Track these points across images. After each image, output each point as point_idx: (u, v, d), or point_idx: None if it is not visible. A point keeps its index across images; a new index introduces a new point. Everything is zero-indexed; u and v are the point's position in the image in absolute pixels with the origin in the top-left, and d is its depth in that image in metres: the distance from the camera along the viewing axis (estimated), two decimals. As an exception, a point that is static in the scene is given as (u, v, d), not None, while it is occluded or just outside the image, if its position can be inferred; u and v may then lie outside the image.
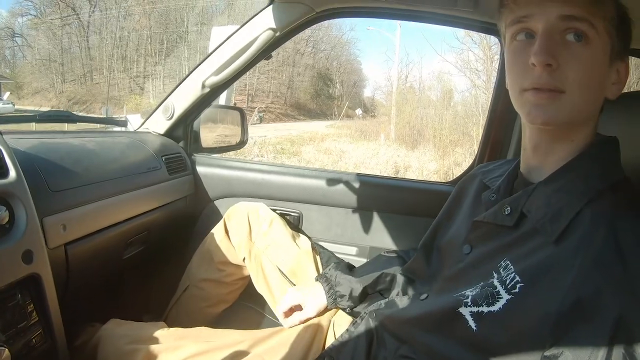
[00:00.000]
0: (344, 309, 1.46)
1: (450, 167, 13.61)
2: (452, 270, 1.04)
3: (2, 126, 1.42)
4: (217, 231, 1.78)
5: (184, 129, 2.09)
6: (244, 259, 1.72)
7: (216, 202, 2.11)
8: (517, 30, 0.90)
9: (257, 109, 36.99)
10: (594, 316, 0.70)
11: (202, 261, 1.79)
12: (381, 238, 1.96)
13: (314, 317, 1.45)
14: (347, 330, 1.23)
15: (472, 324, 0.85)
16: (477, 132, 13.34)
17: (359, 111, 40.32)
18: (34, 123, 1.70)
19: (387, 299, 1.27)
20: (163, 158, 1.85)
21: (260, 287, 1.69)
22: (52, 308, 1.15)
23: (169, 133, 2.08)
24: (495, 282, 0.85)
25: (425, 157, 16.29)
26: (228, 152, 2.30)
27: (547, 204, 0.86)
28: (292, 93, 44.88)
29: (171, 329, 1.39)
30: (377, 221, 1.97)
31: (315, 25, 1.89)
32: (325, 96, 48.12)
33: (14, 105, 31.10)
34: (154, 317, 1.77)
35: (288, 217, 1.98)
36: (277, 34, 1.79)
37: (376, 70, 78.36)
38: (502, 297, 0.82)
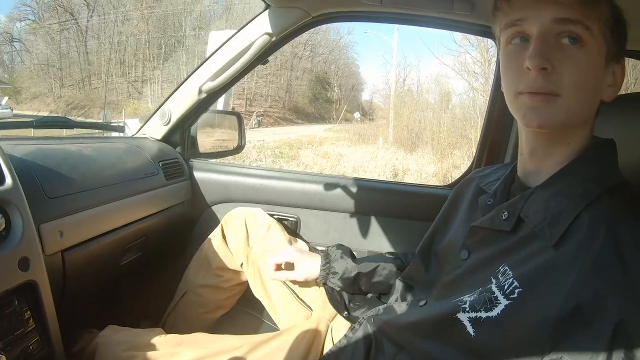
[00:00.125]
0: (333, 297, 1.51)
1: (449, 169, 13.62)
2: (450, 276, 1.04)
3: (-1, 132, 1.42)
4: (215, 237, 1.77)
5: (181, 134, 2.09)
6: (241, 265, 1.72)
7: (214, 208, 2.11)
8: (511, 34, 0.90)
9: (255, 113, 36.98)
10: (594, 320, 0.70)
11: (199, 267, 1.78)
12: (379, 242, 1.96)
13: (300, 282, 1.55)
14: (345, 336, 1.22)
15: (470, 329, 0.85)
16: (475, 135, 13.35)
17: (357, 115, 40.33)
18: (32, 128, 1.70)
19: (385, 305, 1.26)
20: (160, 163, 1.85)
21: (257, 292, 1.69)
22: (49, 315, 1.15)
23: (166, 138, 2.08)
24: (494, 288, 0.84)
25: (423, 160, 16.29)
26: (225, 157, 2.30)
27: (545, 208, 0.86)
28: (290, 97, 44.90)
29: (168, 335, 1.38)
30: (374, 225, 1.97)
31: (312, 29, 1.89)
32: (324, 100, 48.13)
33: (12, 110, 31.12)
34: (152, 323, 1.77)
35: (286, 222, 1.98)
36: (273, 38, 1.79)
37: (374, 74, 78.57)
38: (500, 303, 0.82)
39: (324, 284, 1.52)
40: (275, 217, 1.85)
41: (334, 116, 39.25)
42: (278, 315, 1.65)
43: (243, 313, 1.91)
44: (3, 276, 1.01)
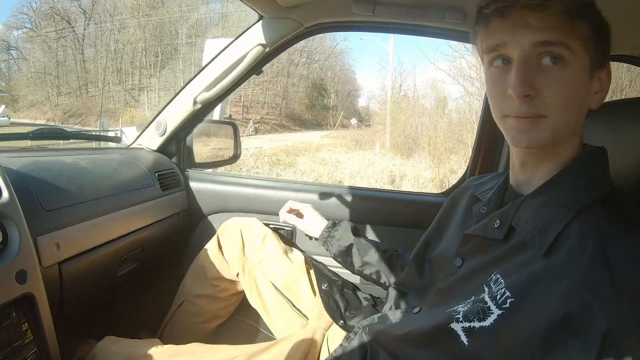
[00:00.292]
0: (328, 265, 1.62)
1: (446, 174, 13.58)
2: (444, 283, 1.04)
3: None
4: (211, 247, 1.78)
5: (176, 144, 2.10)
6: (237, 274, 1.72)
7: (210, 218, 2.12)
8: (493, 57, 0.89)
9: (252, 120, 36.98)
10: (583, 331, 0.70)
11: (195, 277, 1.78)
12: (375, 251, 1.96)
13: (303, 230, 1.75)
14: (341, 345, 1.22)
15: (464, 339, 0.85)
16: (471, 140, 13.31)
17: (354, 121, 40.31)
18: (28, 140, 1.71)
19: (380, 314, 1.27)
20: (156, 174, 1.86)
21: (254, 301, 1.70)
22: (47, 326, 1.15)
23: (162, 149, 2.09)
24: (486, 298, 0.85)
25: (420, 165, 16.25)
26: (221, 167, 2.31)
27: (535, 217, 0.86)
28: (287, 104, 44.87)
29: (165, 346, 1.39)
30: (370, 234, 1.98)
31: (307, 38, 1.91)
32: (320, 106, 48.10)
33: (9, 118, 31.06)
34: (149, 333, 1.77)
35: (282, 232, 1.98)
36: (267, 49, 1.81)
37: (370, 80, 78.49)
38: (492, 313, 0.82)
39: (320, 291, 1.54)
40: (271, 226, 1.86)
41: (331, 122, 39.27)
42: (274, 324, 1.65)
43: (240, 322, 1.91)
44: (0, 289, 1.01)
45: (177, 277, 1.85)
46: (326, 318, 1.49)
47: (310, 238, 1.74)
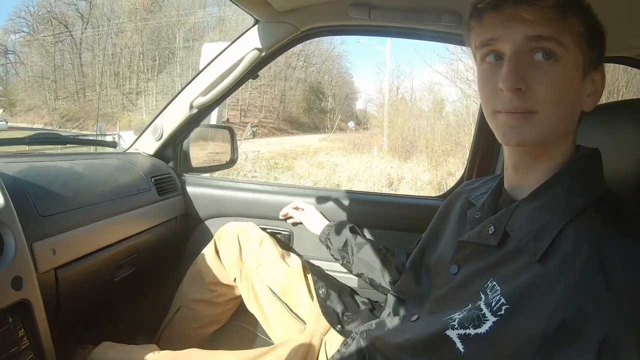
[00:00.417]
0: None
1: (444, 177, 13.60)
2: (441, 290, 1.04)
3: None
4: (208, 252, 1.78)
5: (173, 149, 2.09)
6: (235, 279, 1.72)
7: (207, 222, 2.11)
8: (485, 53, 0.90)
9: (249, 124, 36.99)
10: (579, 337, 0.70)
11: (193, 282, 1.78)
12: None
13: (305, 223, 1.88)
14: (339, 350, 1.23)
15: (460, 346, 0.85)
16: (469, 142, 13.33)
17: (351, 124, 40.37)
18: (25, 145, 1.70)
19: (378, 320, 1.26)
20: (152, 179, 1.86)
21: (251, 306, 1.69)
22: (43, 332, 1.15)
23: (159, 153, 2.08)
24: (482, 305, 0.85)
25: (418, 168, 16.28)
26: (218, 171, 2.31)
27: (530, 222, 0.86)
28: (284, 107, 44.91)
29: (162, 351, 1.38)
30: (368, 237, 1.98)
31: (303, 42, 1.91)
32: (318, 110, 48.16)
33: (7, 122, 31.07)
34: (147, 338, 1.77)
35: (279, 236, 1.98)
36: (263, 53, 1.80)
37: (368, 83, 78.35)
38: (488, 320, 0.82)
39: (317, 296, 1.54)
40: (268, 231, 1.86)
41: (329, 126, 39.31)
42: (272, 329, 1.64)
43: (237, 327, 1.91)
44: (-4, 296, 1.01)
45: (175, 282, 1.85)
46: (324, 323, 1.48)
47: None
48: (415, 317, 1.09)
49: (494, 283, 0.85)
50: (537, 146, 0.89)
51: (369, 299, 1.59)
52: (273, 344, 1.54)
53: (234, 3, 1.57)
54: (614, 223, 0.80)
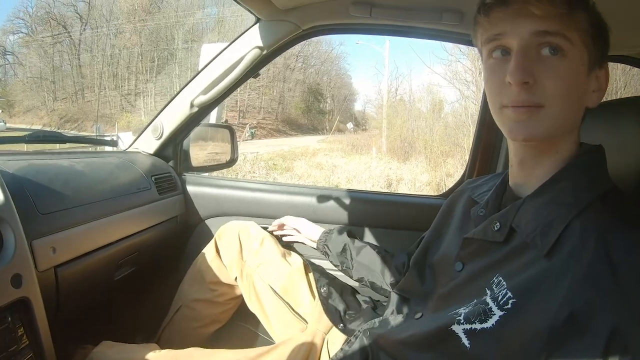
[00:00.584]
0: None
1: (442, 178, 13.62)
2: (445, 288, 1.03)
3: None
4: (208, 251, 1.78)
5: (173, 148, 2.09)
6: (235, 279, 1.72)
7: (207, 222, 2.11)
8: (492, 48, 0.91)
9: (248, 125, 37.01)
10: (587, 330, 0.70)
11: (193, 281, 1.78)
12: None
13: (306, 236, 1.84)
14: (342, 349, 1.22)
15: (465, 341, 0.85)
16: (467, 143, 13.35)
17: (350, 125, 40.37)
18: (24, 143, 1.70)
19: (381, 318, 1.26)
20: (153, 178, 1.85)
21: (252, 306, 1.69)
22: (43, 331, 1.14)
23: (159, 152, 2.08)
24: (488, 299, 0.84)
25: (417, 169, 16.29)
26: (218, 171, 2.30)
27: (536, 218, 0.86)
28: (283, 109, 44.93)
29: (163, 350, 1.38)
30: (369, 236, 1.97)
31: (304, 41, 1.90)
32: (317, 111, 48.20)
33: (5, 123, 31.06)
34: (147, 338, 1.76)
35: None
36: (264, 52, 1.80)
37: (366, 84, 78.69)
38: (494, 314, 0.82)
39: (319, 295, 1.53)
40: (269, 230, 1.85)
41: (327, 127, 39.27)
42: (273, 328, 1.64)
43: (238, 327, 1.90)
44: (-5, 293, 1.00)
45: (175, 282, 1.85)
46: (326, 322, 1.48)
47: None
48: (419, 315, 1.09)
49: (500, 278, 0.85)
50: (544, 141, 0.89)
51: (370, 297, 1.58)
52: (274, 343, 1.54)
53: (236, 1, 1.57)
54: (621, 217, 0.80)
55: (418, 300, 1.19)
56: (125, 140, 2.20)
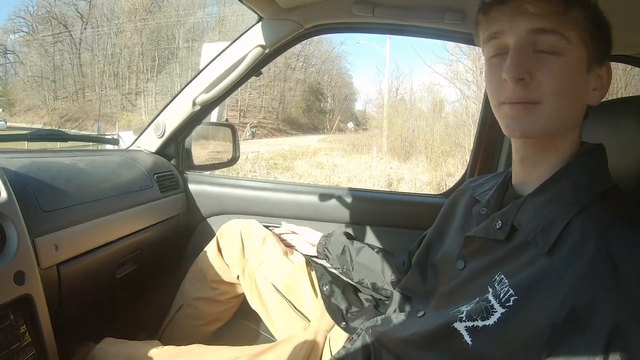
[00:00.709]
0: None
1: (443, 177, 13.63)
2: (447, 286, 1.03)
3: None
4: (210, 249, 1.77)
5: (175, 146, 2.09)
6: (237, 277, 1.72)
7: (209, 220, 2.11)
8: (492, 46, 0.92)
9: (249, 124, 37.06)
10: (588, 327, 0.70)
11: (195, 280, 1.78)
12: (374, 252, 1.96)
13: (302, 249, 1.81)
14: (344, 347, 1.22)
15: (467, 338, 0.85)
16: (468, 143, 13.38)
17: (350, 125, 40.36)
18: (26, 141, 1.70)
19: (383, 316, 1.26)
20: (155, 176, 1.85)
21: (254, 304, 1.69)
22: (45, 329, 1.14)
23: (161, 151, 2.08)
24: (490, 297, 0.85)
25: (418, 168, 16.31)
26: (220, 169, 2.31)
27: (537, 216, 0.86)
28: (284, 108, 44.98)
29: (165, 347, 1.37)
30: (370, 235, 1.98)
31: (305, 40, 1.90)
32: (317, 110, 48.25)
33: (6, 122, 31.07)
34: (149, 336, 1.75)
35: (281, 233, 1.97)
36: (267, 50, 1.80)
37: (367, 84, 78.37)
38: (496, 311, 0.82)
39: (321, 293, 1.53)
40: (271, 228, 1.85)
41: (328, 127, 39.38)
42: (275, 326, 1.64)
43: (240, 325, 1.90)
44: (-2, 290, 1.00)
45: (177, 280, 1.84)
46: (328, 320, 1.48)
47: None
48: (421, 313, 1.09)
49: (502, 276, 0.85)
50: (542, 138, 0.90)
51: (372, 296, 1.58)
52: (275, 340, 1.54)
53: (239, 0, 1.57)
54: (621, 216, 0.81)
55: (420, 298, 1.19)
56: (126, 139, 2.20)
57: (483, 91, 2.03)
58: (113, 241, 1.52)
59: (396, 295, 1.30)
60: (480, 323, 0.84)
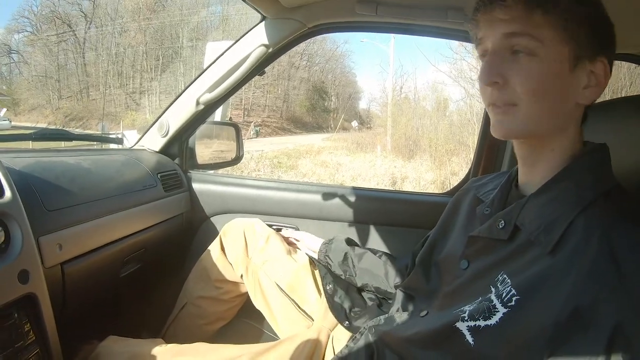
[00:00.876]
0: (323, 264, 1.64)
1: (447, 176, 13.60)
2: (451, 286, 1.04)
3: (-2, 145, 1.42)
4: (213, 248, 1.78)
5: (179, 145, 2.09)
6: (241, 276, 1.72)
7: (212, 219, 2.11)
8: (479, 51, 0.94)
9: (253, 123, 37.07)
10: (591, 326, 0.70)
11: (198, 279, 1.78)
12: (378, 251, 1.96)
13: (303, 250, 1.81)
14: (347, 345, 1.22)
15: (469, 338, 0.85)
16: (472, 141, 13.34)
17: (355, 123, 40.28)
18: (30, 141, 1.70)
19: (386, 315, 1.26)
20: (159, 175, 1.86)
21: (258, 303, 1.69)
22: (49, 327, 1.15)
23: (165, 150, 2.08)
24: (492, 297, 0.85)
25: (422, 167, 16.27)
26: (224, 168, 2.31)
27: (540, 216, 0.86)
28: (288, 107, 44.93)
29: (169, 345, 1.38)
30: (373, 234, 1.98)
31: (309, 39, 1.91)
32: (321, 109, 48.19)
33: (10, 121, 31.10)
34: (152, 334, 1.76)
35: (285, 232, 1.97)
36: (270, 50, 1.80)
37: (371, 82, 78.13)
38: (498, 311, 0.82)
39: (325, 292, 1.53)
40: (274, 227, 1.86)
41: (332, 125, 39.32)
42: (279, 325, 1.64)
43: (244, 324, 1.90)
44: (3, 289, 1.01)
45: (180, 279, 1.85)
46: (331, 318, 1.47)
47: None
48: (424, 313, 1.09)
49: (505, 276, 0.85)
50: (529, 138, 0.92)
51: (376, 295, 1.58)
52: (278, 338, 1.54)
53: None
54: (624, 215, 0.81)
55: (423, 298, 1.19)
56: (130, 138, 2.20)
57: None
58: (117, 240, 1.53)
59: (399, 295, 1.30)
60: (482, 323, 0.84)
